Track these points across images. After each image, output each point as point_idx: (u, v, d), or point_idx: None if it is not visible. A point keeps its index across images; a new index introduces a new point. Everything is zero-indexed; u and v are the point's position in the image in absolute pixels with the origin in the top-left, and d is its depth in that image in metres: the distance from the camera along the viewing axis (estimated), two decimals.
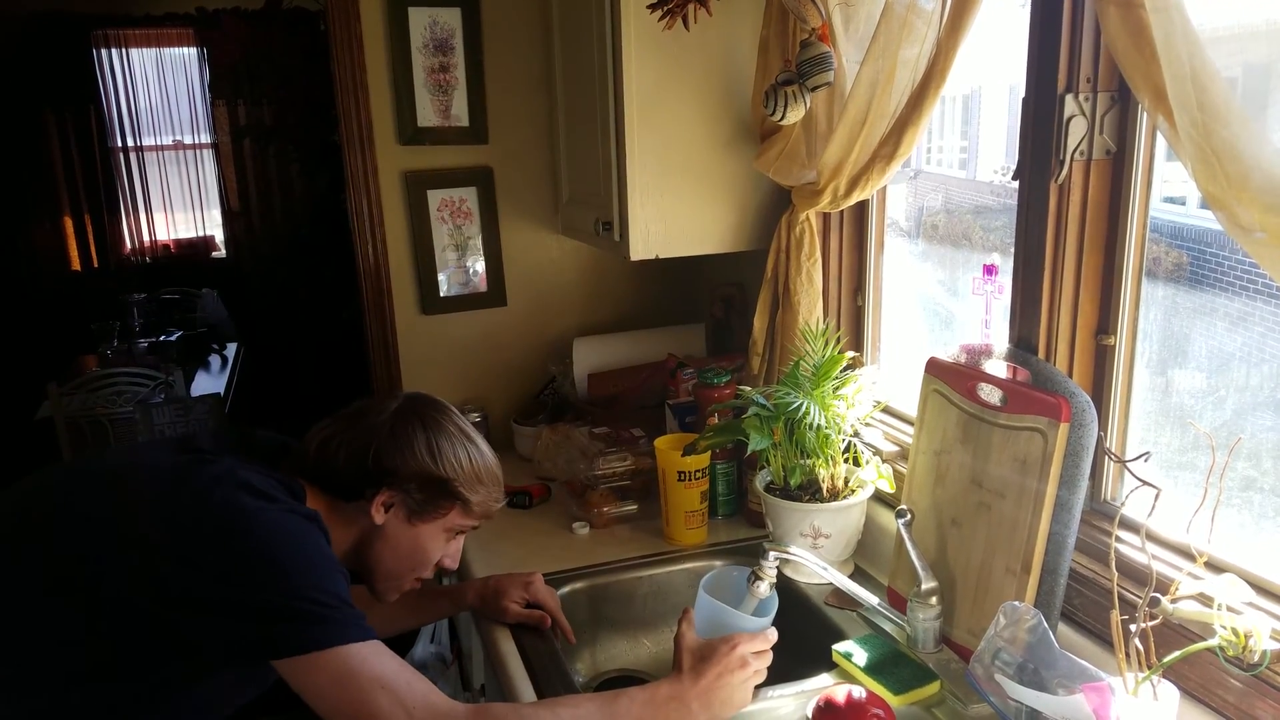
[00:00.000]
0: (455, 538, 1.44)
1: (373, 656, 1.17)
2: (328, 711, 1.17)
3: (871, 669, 1.37)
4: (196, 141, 5.95)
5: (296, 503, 1.25)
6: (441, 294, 2.46)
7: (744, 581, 1.42)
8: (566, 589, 1.72)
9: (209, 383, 4.05)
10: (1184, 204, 1.39)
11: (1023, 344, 1.42)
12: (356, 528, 1.35)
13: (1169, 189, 1.36)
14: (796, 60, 1.67)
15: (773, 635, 1.34)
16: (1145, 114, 1.26)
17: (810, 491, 1.67)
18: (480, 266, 2.48)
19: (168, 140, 5.93)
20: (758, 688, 1.33)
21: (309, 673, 1.16)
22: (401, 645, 2.11)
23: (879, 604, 1.49)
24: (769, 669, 1.34)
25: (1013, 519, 1.35)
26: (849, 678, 1.38)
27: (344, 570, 1.24)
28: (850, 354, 1.72)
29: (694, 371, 2.09)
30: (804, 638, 1.60)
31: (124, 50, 5.66)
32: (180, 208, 6.02)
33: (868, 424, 1.78)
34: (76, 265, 5.70)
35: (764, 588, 1.44)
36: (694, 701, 1.25)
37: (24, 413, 3.81)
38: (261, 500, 1.19)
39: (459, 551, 1.47)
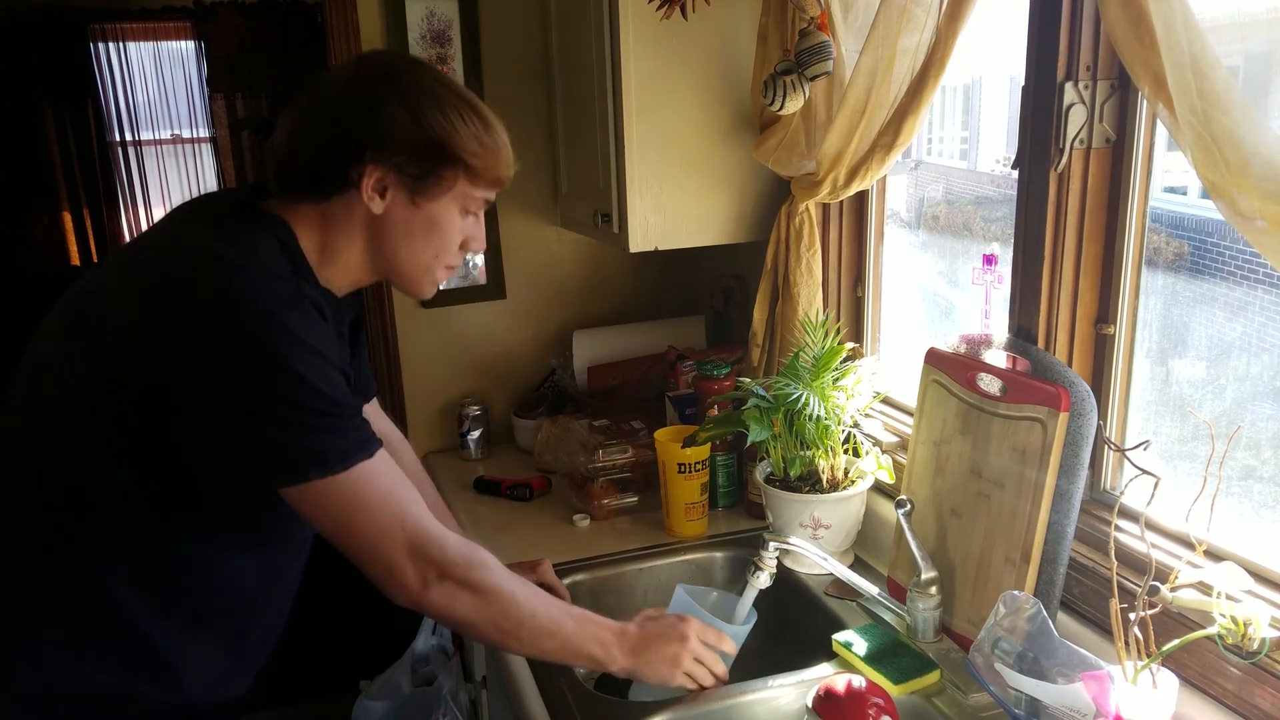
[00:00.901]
0: (473, 215, 1.25)
1: (369, 476, 1.11)
2: (327, 531, 1.14)
3: (871, 658, 1.37)
4: (195, 135, 5.94)
5: (300, 280, 1.13)
6: (440, 287, 2.45)
7: (719, 604, 1.45)
8: (567, 581, 1.72)
9: None
10: (1185, 194, 1.39)
11: (1022, 333, 1.41)
12: (358, 226, 1.18)
13: (1170, 179, 1.36)
14: (795, 49, 1.66)
15: (729, 645, 1.35)
16: (1145, 102, 1.25)
17: (810, 482, 1.67)
18: (479, 259, 2.47)
19: (166, 134, 5.91)
20: (705, 689, 1.32)
21: (306, 496, 1.10)
22: (404, 637, 2.11)
23: (879, 594, 1.49)
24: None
25: (1012, 508, 1.35)
26: (849, 667, 1.39)
27: (343, 367, 1.13)
28: (850, 345, 1.72)
29: (694, 363, 2.09)
30: (804, 628, 1.60)
31: (121, 44, 5.64)
32: (179, 201, 6.01)
33: (867, 415, 1.78)
34: (75, 259, 5.69)
35: (764, 578, 1.45)
36: (626, 643, 1.28)
37: None
38: (245, 278, 1.06)
39: (483, 232, 1.28)
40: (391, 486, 1.14)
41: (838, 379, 1.65)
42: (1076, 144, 1.29)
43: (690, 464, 1.83)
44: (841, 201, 1.90)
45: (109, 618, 1.15)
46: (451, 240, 1.24)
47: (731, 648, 1.34)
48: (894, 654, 1.38)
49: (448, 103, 1.16)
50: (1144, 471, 1.10)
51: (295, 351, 1.06)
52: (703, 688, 1.32)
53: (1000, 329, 1.47)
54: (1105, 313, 1.36)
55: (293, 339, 1.06)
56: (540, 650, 1.25)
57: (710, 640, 1.31)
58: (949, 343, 1.53)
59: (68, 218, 5.64)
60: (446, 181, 1.18)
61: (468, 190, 1.20)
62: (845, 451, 1.69)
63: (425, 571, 1.15)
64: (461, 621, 1.20)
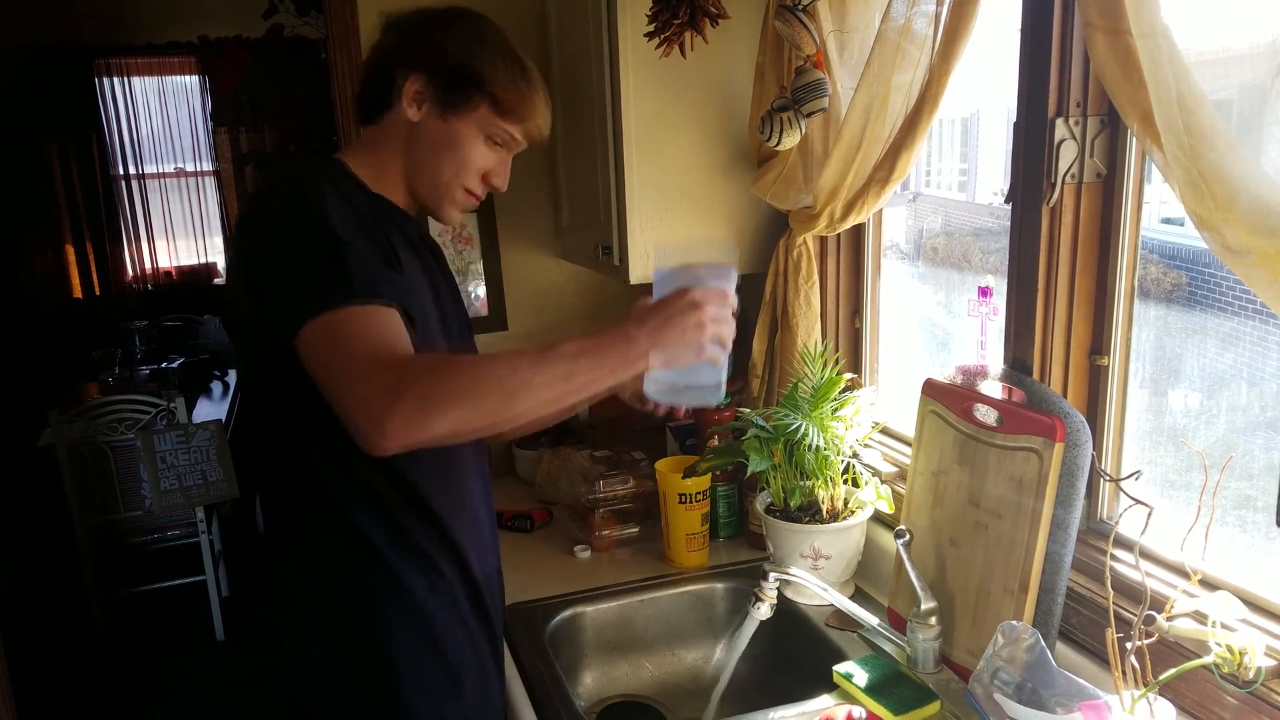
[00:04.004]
0: (498, 150, 1.35)
1: (360, 319, 1.10)
2: (319, 379, 1.11)
3: (872, 689, 1.38)
4: (198, 169, 5.99)
5: (350, 181, 1.29)
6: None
7: (697, 254, 1.27)
8: (568, 612, 1.73)
9: (211, 409, 4.06)
10: (1182, 224, 1.40)
11: (1017, 365, 1.43)
12: (400, 138, 1.32)
13: (1167, 209, 1.37)
14: (792, 87, 1.69)
15: (733, 298, 1.21)
16: (1134, 138, 1.28)
17: (810, 513, 1.68)
18: (481, 291, 2.50)
19: (169, 167, 5.97)
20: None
21: (306, 338, 1.10)
22: None
23: (879, 625, 1.50)
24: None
25: (1010, 538, 1.36)
26: (850, 698, 1.39)
27: (373, 239, 1.19)
28: (848, 376, 1.73)
29: None
30: (805, 659, 1.60)
31: (126, 79, 5.71)
32: (182, 234, 6.06)
33: (866, 445, 1.79)
34: (78, 292, 5.73)
35: (765, 609, 1.45)
36: (643, 339, 1.13)
37: (25, 440, 3.82)
38: (301, 168, 1.26)
39: (507, 171, 1.37)
40: (383, 336, 1.10)
41: (836, 409, 1.67)
42: (1068, 179, 1.31)
43: (691, 494, 1.84)
44: (839, 234, 1.92)
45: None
46: (470, 162, 1.33)
47: (734, 299, 1.21)
48: (894, 685, 1.39)
49: (493, 45, 1.32)
50: (1137, 501, 1.12)
51: (323, 202, 1.18)
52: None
53: (996, 360, 1.49)
54: (1099, 344, 1.38)
55: (324, 195, 1.19)
56: (550, 383, 1.08)
57: (714, 300, 1.17)
58: (946, 374, 1.54)
59: (70, 250, 5.68)
60: (473, 105, 1.30)
61: (492, 120, 1.32)
62: (845, 482, 1.70)
63: (387, 395, 1.04)
64: (455, 417, 1.05)
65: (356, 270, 1.13)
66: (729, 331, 1.19)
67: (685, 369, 1.19)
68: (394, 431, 1.03)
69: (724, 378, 1.25)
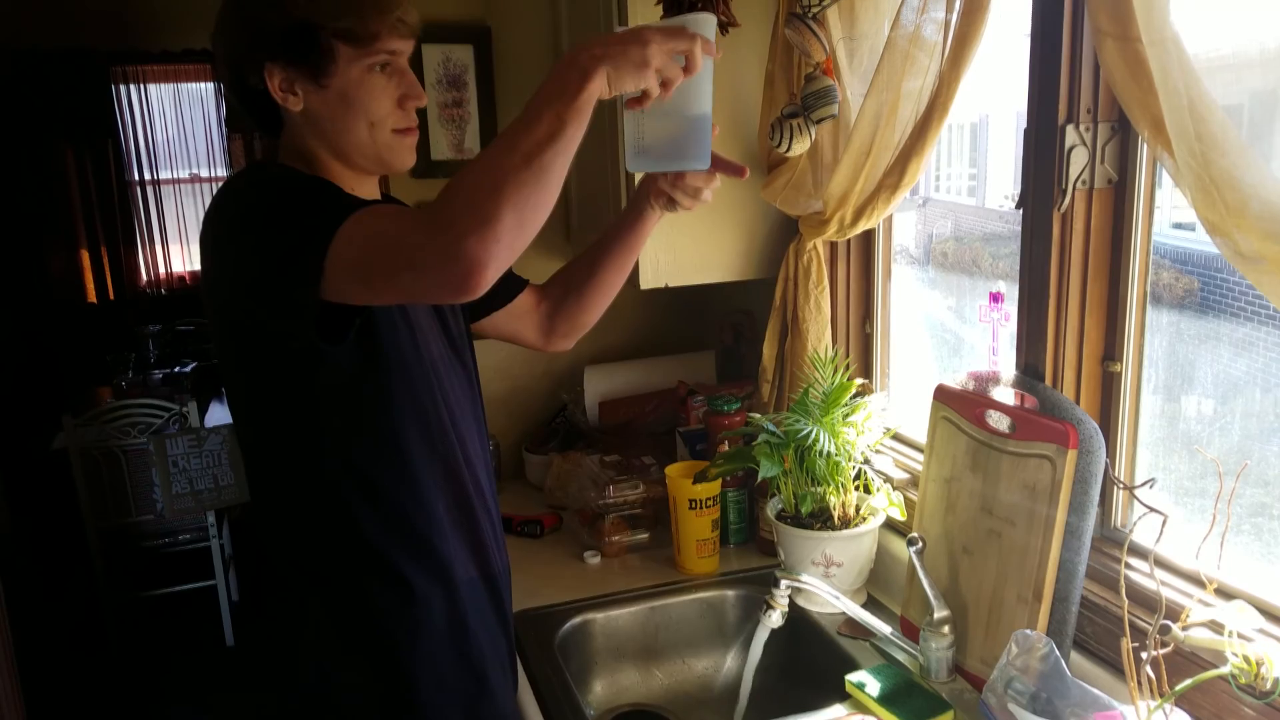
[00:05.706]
0: (386, 72, 1.22)
1: (352, 227, 1.06)
2: (364, 284, 1.09)
3: (885, 699, 1.37)
4: (213, 175, 6.02)
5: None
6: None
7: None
8: (577, 619, 1.73)
9: (223, 413, 4.07)
10: (1193, 229, 1.40)
11: (1030, 371, 1.42)
12: (306, 134, 1.24)
13: (1179, 214, 1.37)
14: (801, 93, 1.69)
15: (698, 43, 1.06)
16: (1145, 144, 1.27)
17: (821, 519, 1.67)
18: None
19: (184, 173, 6.00)
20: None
21: (333, 267, 1.05)
22: None
23: (892, 633, 1.49)
24: None
25: (1023, 546, 1.35)
26: (862, 708, 1.38)
27: (311, 185, 1.18)
28: (859, 381, 1.73)
29: (704, 399, 2.10)
30: (816, 667, 1.60)
31: (142, 85, 5.74)
32: (195, 240, 6.08)
33: (878, 451, 1.78)
34: (93, 297, 5.75)
35: (776, 617, 1.45)
36: (583, 56, 1.02)
37: (39, 444, 3.85)
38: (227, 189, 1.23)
39: (415, 83, 1.24)
40: (399, 211, 1.11)
41: (848, 415, 1.66)
42: (1079, 185, 1.30)
43: (701, 500, 1.84)
44: (849, 240, 1.91)
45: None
46: (376, 104, 1.22)
47: (698, 55, 1.06)
48: (907, 695, 1.38)
49: None
50: (1151, 509, 1.11)
51: (284, 173, 1.20)
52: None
53: (1008, 366, 1.48)
54: (1111, 350, 1.37)
55: (281, 167, 1.21)
56: (550, 136, 1.02)
57: (667, 34, 1.04)
58: (958, 380, 1.54)
59: (85, 255, 5.72)
60: (330, 54, 1.18)
61: (360, 55, 1.19)
62: (856, 488, 1.69)
63: (443, 234, 1.00)
64: (510, 204, 1.02)
65: (345, 199, 1.13)
66: (694, 56, 1.05)
67: (661, 128, 1.10)
68: (475, 250, 0.98)
69: (706, 134, 1.14)
